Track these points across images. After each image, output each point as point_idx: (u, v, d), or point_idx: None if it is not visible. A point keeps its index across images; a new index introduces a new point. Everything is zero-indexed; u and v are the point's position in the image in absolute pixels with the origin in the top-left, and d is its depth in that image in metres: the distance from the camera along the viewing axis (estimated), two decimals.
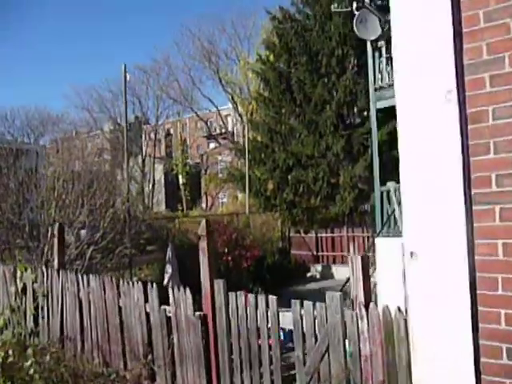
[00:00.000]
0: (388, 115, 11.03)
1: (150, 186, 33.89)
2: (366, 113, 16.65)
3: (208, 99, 38.42)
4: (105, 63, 69.60)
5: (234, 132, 36.55)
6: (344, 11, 10.95)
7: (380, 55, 10.29)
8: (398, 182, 9.60)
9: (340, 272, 15.70)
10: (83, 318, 5.28)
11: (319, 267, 16.68)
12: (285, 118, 17.66)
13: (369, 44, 10.29)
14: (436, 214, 2.15)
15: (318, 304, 3.18)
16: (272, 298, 3.45)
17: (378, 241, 8.66)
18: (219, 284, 3.82)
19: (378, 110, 10.39)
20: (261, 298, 3.54)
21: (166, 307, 4.24)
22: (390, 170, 11.16)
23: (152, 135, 38.87)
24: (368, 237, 15.37)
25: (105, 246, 9.20)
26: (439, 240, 2.14)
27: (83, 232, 9.35)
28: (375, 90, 10.27)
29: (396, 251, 6.07)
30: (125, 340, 4.64)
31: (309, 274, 16.50)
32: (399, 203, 8.25)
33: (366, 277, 3.06)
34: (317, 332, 3.19)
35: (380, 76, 10.29)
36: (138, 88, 38.22)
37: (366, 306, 2.97)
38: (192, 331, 3.95)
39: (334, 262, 16.68)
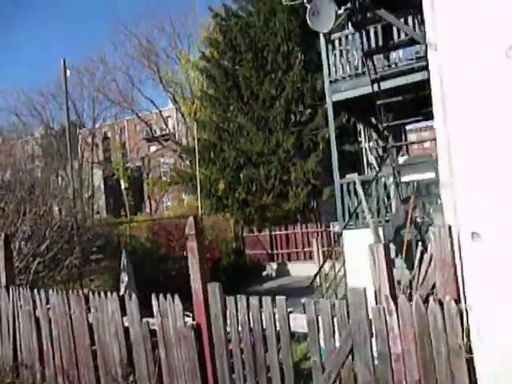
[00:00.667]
0: (337, 109, 10.91)
1: (89, 192, 32.07)
2: (311, 109, 16.69)
3: (149, 100, 37.07)
4: (35, 67, 65.13)
5: (176, 133, 35.56)
6: (295, 4, 10.73)
7: (333, 48, 10.23)
8: (359, 174, 9.61)
9: (296, 269, 15.56)
10: (42, 341, 4.59)
11: (274, 265, 16.46)
12: (232, 116, 17.27)
13: (322, 37, 10.18)
14: (505, 187, 1.89)
15: (337, 302, 2.85)
16: (280, 299, 3.08)
17: (345, 233, 8.56)
18: (214, 288, 3.38)
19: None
20: (265, 299, 3.15)
21: (149, 319, 3.72)
22: (342, 164, 11.16)
23: (89, 139, 36.83)
24: (323, 232, 15.38)
25: (52, 257, 8.34)
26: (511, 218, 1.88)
27: (23, 243, 8.45)
28: (330, 82, 10.18)
29: (363, 242, 5.92)
30: (98, 362, 4.05)
31: (264, 273, 16.21)
32: (365, 194, 8.18)
33: (389, 267, 2.78)
34: (336, 333, 2.86)
35: (334, 69, 10.23)
36: (72, 90, 36.06)
37: (394, 299, 2.69)
38: (183, 344, 3.47)
39: (290, 259, 16.51)
